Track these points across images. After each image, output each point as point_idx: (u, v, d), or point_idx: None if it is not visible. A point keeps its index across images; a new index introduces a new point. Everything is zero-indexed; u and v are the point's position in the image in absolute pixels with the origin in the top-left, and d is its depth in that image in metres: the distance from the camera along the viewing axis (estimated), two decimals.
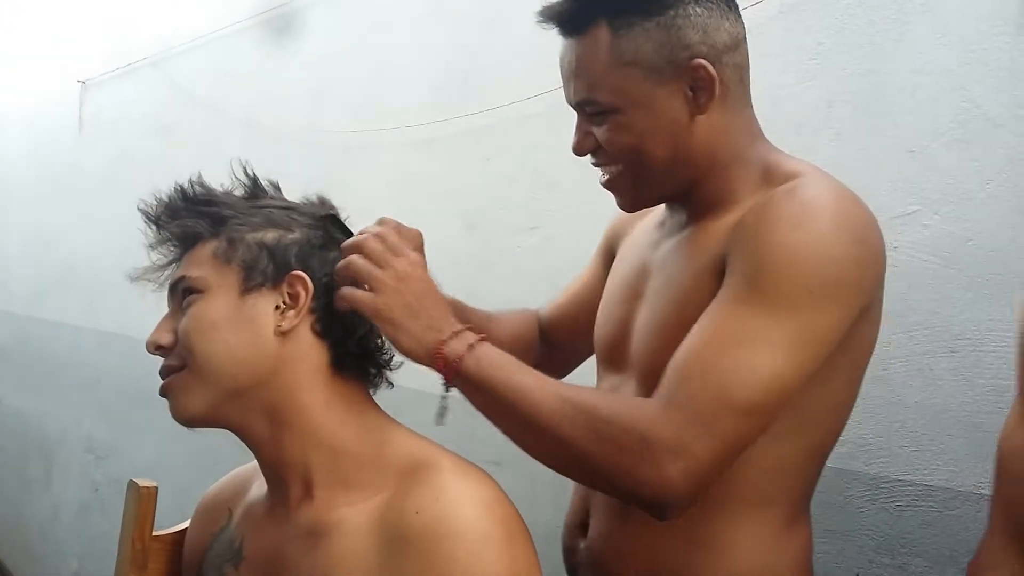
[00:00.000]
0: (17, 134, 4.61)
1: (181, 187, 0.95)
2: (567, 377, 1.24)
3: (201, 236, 0.93)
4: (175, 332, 0.92)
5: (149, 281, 0.97)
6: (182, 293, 0.93)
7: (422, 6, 2.22)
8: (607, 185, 1.03)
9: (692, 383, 0.86)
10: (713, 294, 0.91)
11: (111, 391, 3.38)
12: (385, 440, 0.90)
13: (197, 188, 0.96)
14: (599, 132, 0.98)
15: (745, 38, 0.99)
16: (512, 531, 0.82)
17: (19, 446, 4.10)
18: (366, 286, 0.90)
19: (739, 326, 0.86)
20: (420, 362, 0.91)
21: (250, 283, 0.91)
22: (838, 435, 1.00)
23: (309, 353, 0.91)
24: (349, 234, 0.97)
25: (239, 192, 0.99)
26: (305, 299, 0.91)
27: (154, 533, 1.07)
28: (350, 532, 0.84)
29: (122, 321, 3.24)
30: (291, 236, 0.94)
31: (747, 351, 0.85)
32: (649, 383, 0.92)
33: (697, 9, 0.94)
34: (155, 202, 0.95)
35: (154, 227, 0.95)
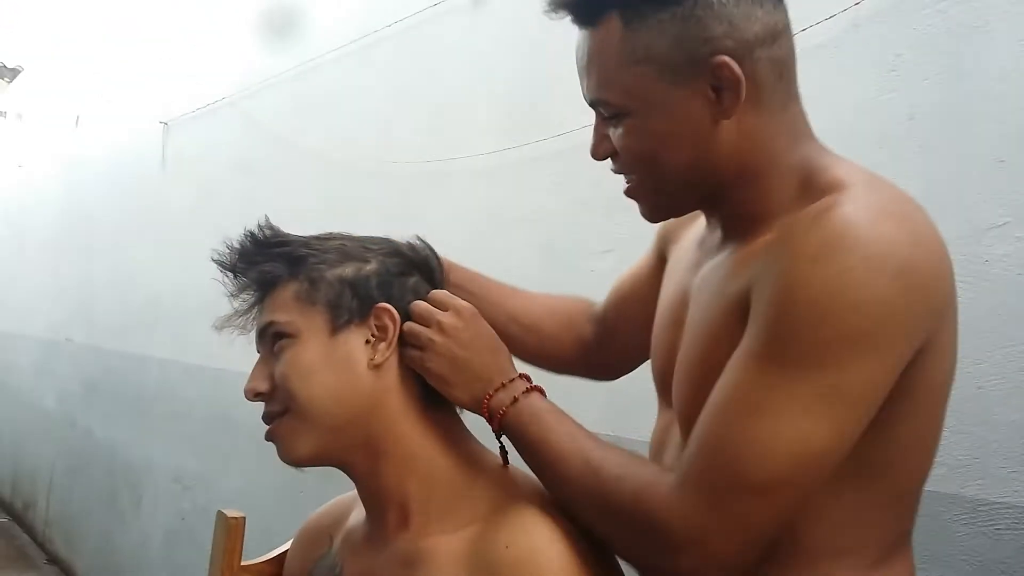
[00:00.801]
0: (103, 174, 4.80)
1: (251, 232, 0.95)
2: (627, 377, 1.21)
3: (280, 279, 0.93)
4: (271, 378, 0.92)
5: (234, 328, 0.97)
6: (272, 338, 0.93)
7: (486, 37, 2.25)
8: (628, 193, 0.92)
9: (705, 460, 0.77)
10: (740, 338, 0.80)
11: (197, 422, 3.47)
12: (479, 471, 0.91)
13: (267, 231, 0.95)
14: (614, 136, 0.87)
15: (788, 27, 0.85)
16: (598, 572, 0.83)
17: (109, 476, 4.22)
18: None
19: (755, 390, 0.76)
20: (474, 412, 0.91)
21: (338, 322, 0.91)
22: (926, 472, 0.88)
23: (403, 383, 0.92)
24: (424, 257, 0.98)
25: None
26: (394, 330, 0.91)
27: (242, 563, 1.08)
28: (443, 562, 0.85)
29: (207, 353, 3.33)
30: (369, 267, 0.94)
31: (764, 420, 0.75)
32: (687, 433, 0.85)
33: None
34: (228, 250, 0.95)
35: (230, 275, 0.95)
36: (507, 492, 0.88)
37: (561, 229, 1.97)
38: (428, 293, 0.95)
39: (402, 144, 2.50)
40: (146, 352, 4.02)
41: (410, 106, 2.52)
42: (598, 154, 0.90)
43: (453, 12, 2.31)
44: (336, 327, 0.91)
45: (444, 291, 0.95)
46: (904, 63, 1.37)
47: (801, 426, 0.74)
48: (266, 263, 0.93)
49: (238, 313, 0.96)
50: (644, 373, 1.45)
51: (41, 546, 5.01)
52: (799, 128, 0.87)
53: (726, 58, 0.80)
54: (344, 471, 0.95)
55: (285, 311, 0.92)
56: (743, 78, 0.80)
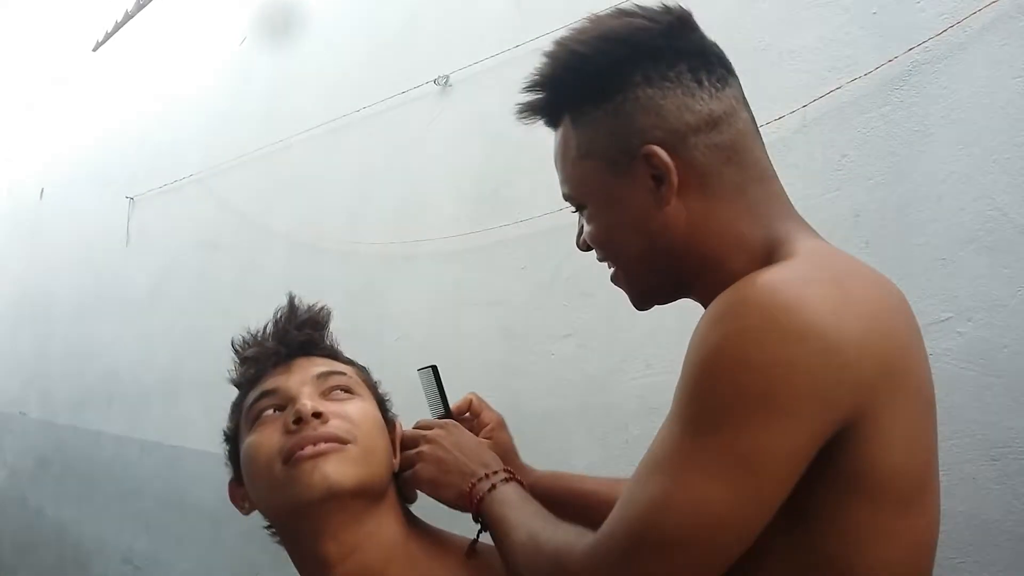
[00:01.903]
0: (65, 246, 4.77)
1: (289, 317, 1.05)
2: None
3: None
4: (340, 415, 0.98)
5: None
6: (333, 386, 1.01)
7: (452, 124, 2.31)
8: (613, 281, 0.95)
9: (616, 518, 0.78)
10: None
11: (151, 500, 3.40)
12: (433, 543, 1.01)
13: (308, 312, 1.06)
14: (585, 228, 0.93)
15: (731, 113, 0.86)
16: None
17: (56, 556, 4.09)
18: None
19: (663, 450, 0.77)
20: (460, 509, 0.98)
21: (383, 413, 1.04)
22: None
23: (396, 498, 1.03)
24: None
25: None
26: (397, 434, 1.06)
27: None
28: None
29: (164, 430, 3.28)
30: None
31: (667, 480, 0.75)
32: None
33: (648, 91, 0.85)
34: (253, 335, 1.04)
35: (270, 352, 1.02)
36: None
37: (523, 313, 2.00)
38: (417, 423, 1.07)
39: (368, 226, 2.53)
40: (101, 428, 3.95)
41: (377, 189, 2.55)
42: (579, 245, 0.96)
43: (420, 99, 2.37)
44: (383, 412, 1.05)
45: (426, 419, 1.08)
46: (849, 163, 1.43)
47: (699, 488, 0.73)
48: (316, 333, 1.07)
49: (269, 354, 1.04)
50: None
51: None
52: (764, 209, 0.86)
53: (654, 147, 0.84)
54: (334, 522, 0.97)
55: (343, 367, 1.05)
56: (672, 165, 0.83)
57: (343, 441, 0.94)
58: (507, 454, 1.10)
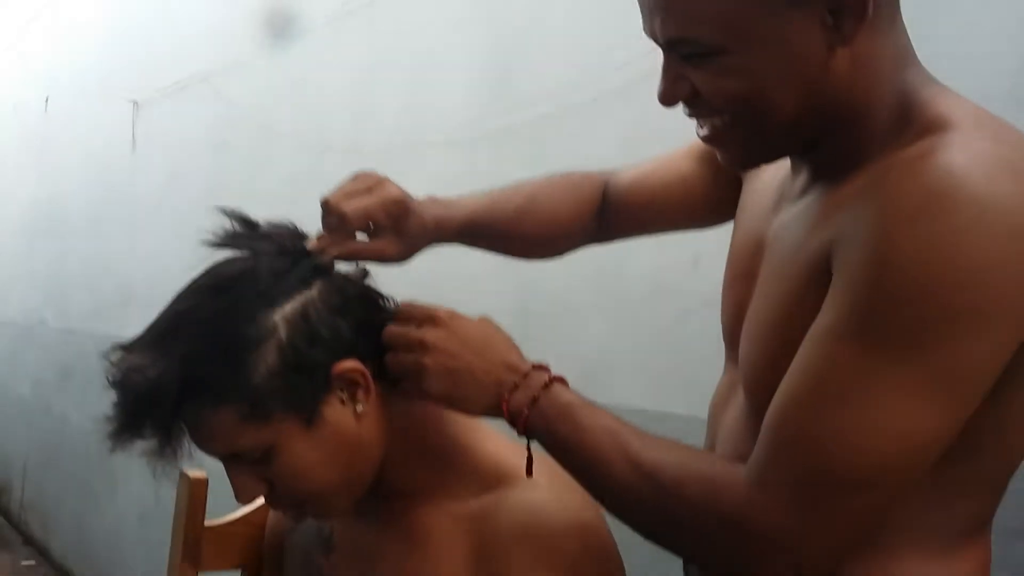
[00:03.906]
0: (73, 156, 4.74)
1: (123, 396, 0.82)
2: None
3: (203, 415, 0.80)
4: (266, 481, 0.84)
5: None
6: (243, 460, 0.83)
7: (459, 11, 2.24)
8: (708, 139, 0.78)
9: (790, 455, 0.68)
10: (818, 303, 0.68)
11: None
12: (470, 446, 0.90)
13: (135, 379, 0.80)
14: (698, 76, 0.72)
15: None
16: (602, 537, 0.85)
17: (84, 461, 4.19)
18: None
19: (845, 376, 0.65)
20: (496, 417, 0.83)
21: (305, 415, 0.81)
22: (1022, 456, 0.77)
23: (382, 410, 0.87)
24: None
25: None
26: (364, 379, 0.84)
27: (207, 524, 1.08)
28: (443, 535, 0.85)
29: None
30: (290, 334, 0.80)
31: (860, 412, 0.65)
32: (752, 403, 0.78)
33: None
34: (112, 422, 0.83)
35: (133, 438, 0.83)
36: (501, 466, 0.87)
37: None
38: (391, 307, 0.88)
39: (376, 120, 2.49)
40: (119, 333, 3.98)
41: (383, 81, 2.50)
42: (673, 98, 0.75)
43: None
44: (308, 419, 0.81)
45: (408, 303, 0.87)
46: None
47: (903, 417, 0.64)
48: (178, 412, 0.80)
49: (166, 456, 0.83)
50: (676, 346, 1.45)
51: (16, 528, 4.98)
52: (902, 49, 0.73)
53: None
54: None
55: (243, 437, 0.80)
56: None
57: (296, 504, 0.87)
58: (407, 203, 0.92)
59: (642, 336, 1.60)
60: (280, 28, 2.90)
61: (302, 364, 0.80)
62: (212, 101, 3.32)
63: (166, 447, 0.82)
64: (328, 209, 0.87)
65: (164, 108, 3.73)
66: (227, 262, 0.86)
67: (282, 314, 0.81)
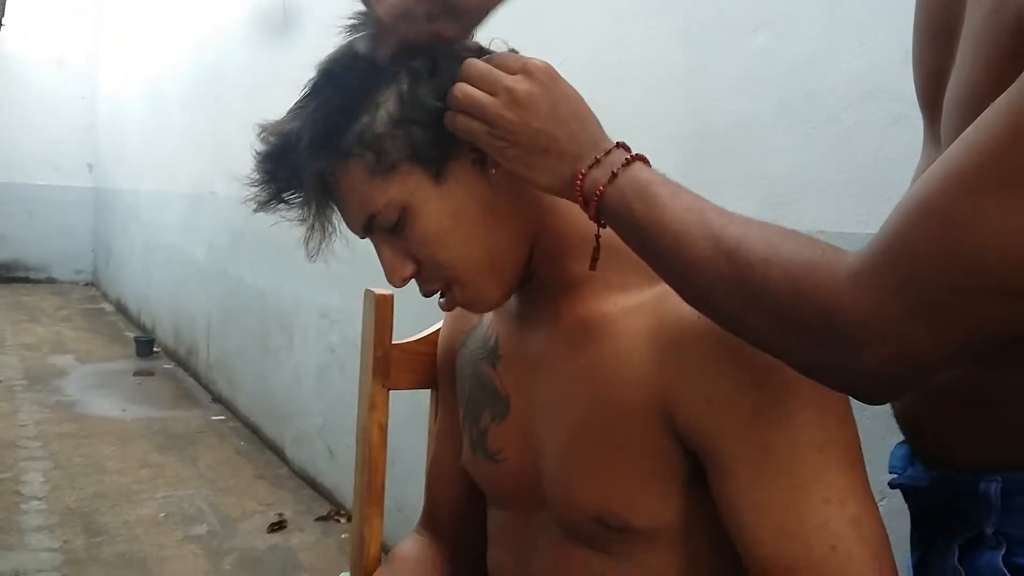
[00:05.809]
0: (228, 29, 4.81)
1: (263, 150, 0.82)
2: None
3: (335, 169, 0.79)
4: (412, 257, 0.82)
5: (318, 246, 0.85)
6: (382, 226, 0.81)
7: None
8: None
9: (913, 234, 0.55)
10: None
11: (338, 260, 3.53)
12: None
13: (271, 137, 0.82)
14: None
15: None
16: None
17: (260, 318, 4.42)
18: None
19: (971, 161, 0.53)
20: (563, 196, 0.75)
21: (432, 168, 0.79)
22: None
23: (521, 188, 0.81)
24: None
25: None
26: None
27: (393, 342, 1.06)
28: (622, 335, 0.79)
29: None
30: (405, 84, 0.78)
31: (993, 199, 0.51)
32: None
33: None
34: (256, 182, 0.83)
35: (277, 201, 0.83)
36: None
37: (699, 8, 1.79)
38: (488, 55, 0.79)
39: None
40: None
41: None
42: None
43: None
44: (435, 173, 0.79)
45: (509, 52, 0.79)
46: None
47: None
48: (310, 164, 0.79)
49: (313, 229, 0.83)
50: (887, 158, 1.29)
51: (205, 387, 5.35)
52: None
53: None
54: None
55: (374, 192, 0.79)
56: None
57: (445, 285, 0.83)
58: None
59: (840, 150, 1.45)
60: None
61: (422, 111, 0.78)
62: None
63: (310, 215, 0.82)
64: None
65: None
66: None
67: (406, 66, 0.79)
